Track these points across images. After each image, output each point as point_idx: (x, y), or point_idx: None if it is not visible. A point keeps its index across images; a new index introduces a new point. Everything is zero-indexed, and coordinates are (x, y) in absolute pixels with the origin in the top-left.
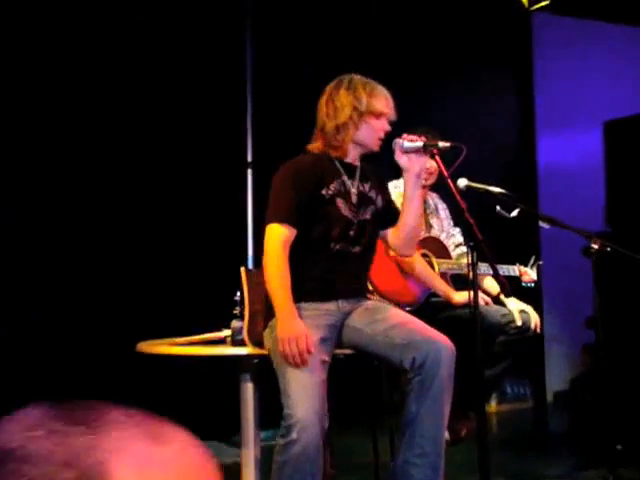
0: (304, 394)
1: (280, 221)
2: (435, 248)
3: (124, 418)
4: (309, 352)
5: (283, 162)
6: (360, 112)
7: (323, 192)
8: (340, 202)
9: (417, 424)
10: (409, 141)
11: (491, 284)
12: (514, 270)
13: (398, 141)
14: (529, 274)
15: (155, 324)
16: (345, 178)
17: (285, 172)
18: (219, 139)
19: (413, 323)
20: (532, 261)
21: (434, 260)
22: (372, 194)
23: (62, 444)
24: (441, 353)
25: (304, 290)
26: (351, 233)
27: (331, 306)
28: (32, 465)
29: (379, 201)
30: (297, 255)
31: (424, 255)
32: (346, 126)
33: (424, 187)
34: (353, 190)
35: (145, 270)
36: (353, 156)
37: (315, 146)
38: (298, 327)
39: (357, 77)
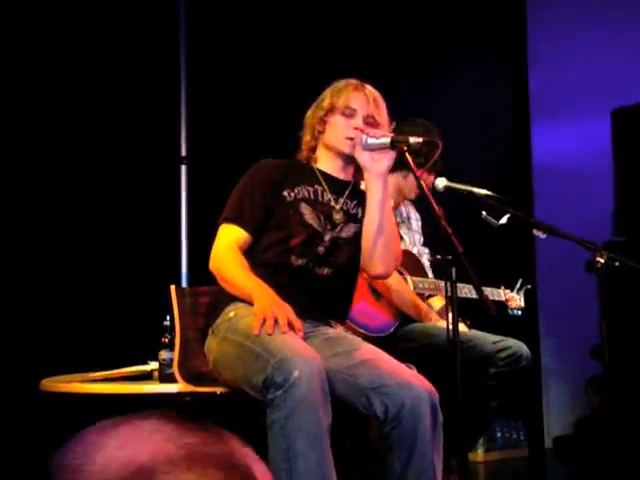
0: (290, 336)
1: (237, 223)
2: (409, 264)
3: None
4: (293, 328)
5: (220, 158)
6: (323, 114)
7: (285, 193)
8: (305, 208)
9: None
10: (373, 136)
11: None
12: (499, 294)
13: (360, 136)
14: (516, 300)
15: (63, 355)
16: (321, 188)
17: (256, 169)
18: (148, 131)
19: (383, 361)
20: (519, 285)
21: (409, 278)
22: (357, 211)
23: None
24: (420, 402)
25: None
26: (319, 250)
27: None
28: None
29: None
30: (250, 265)
31: (398, 272)
32: (313, 131)
33: (406, 199)
34: (335, 205)
35: (52, 288)
36: (334, 167)
37: (300, 155)
38: (278, 299)
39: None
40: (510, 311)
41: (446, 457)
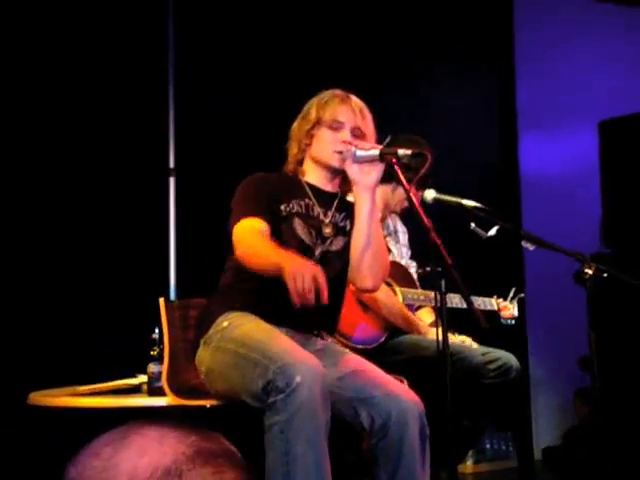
0: (288, 343)
1: (252, 215)
2: (398, 275)
3: None
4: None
5: (208, 169)
6: (310, 127)
7: (282, 207)
8: (298, 223)
9: None
10: (362, 149)
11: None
12: (491, 304)
13: (350, 149)
14: (509, 309)
15: (51, 369)
16: (311, 202)
17: (250, 179)
18: (136, 142)
19: (370, 372)
20: (512, 294)
21: (397, 289)
22: (345, 223)
23: None
24: (407, 413)
25: (249, 306)
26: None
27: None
28: None
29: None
30: (243, 275)
31: (386, 283)
32: (299, 144)
33: (392, 213)
34: (324, 218)
35: (39, 300)
36: (321, 179)
37: (287, 168)
38: (308, 263)
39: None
40: (503, 320)
41: (435, 469)
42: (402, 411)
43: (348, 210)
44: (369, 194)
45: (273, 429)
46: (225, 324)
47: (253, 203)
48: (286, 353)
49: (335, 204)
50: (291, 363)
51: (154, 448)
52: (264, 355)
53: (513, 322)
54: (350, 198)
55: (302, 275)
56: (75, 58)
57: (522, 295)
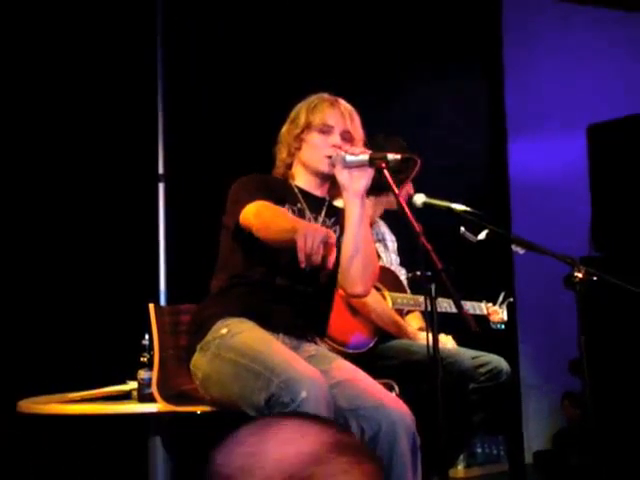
0: (290, 356)
1: (257, 198)
2: (388, 280)
3: None
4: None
5: (198, 175)
6: (299, 131)
7: None
8: None
9: None
10: (352, 154)
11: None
12: (481, 308)
13: (339, 153)
14: (499, 313)
15: (41, 376)
16: (302, 207)
17: (249, 177)
18: (126, 148)
19: (361, 381)
20: (501, 298)
21: (387, 293)
22: (335, 229)
23: None
24: (396, 425)
25: (246, 311)
26: (303, 269)
27: (272, 335)
28: None
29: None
30: (235, 279)
31: (375, 288)
32: (289, 148)
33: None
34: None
35: (28, 306)
36: (311, 184)
37: (276, 172)
38: (324, 229)
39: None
40: (493, 325)
41: (427, 474)
42: (392, 423)
43: (337, 216)
44: (359, 200)
45: None
46: (224, 331)
47: (258, 192)
48: (290, 367)
49: (325, 209)
50: (296, 378)
51: (298, 437)
52: (266, 367)
53: (503, 326)
54: (338, 203)
55: (313, 236)
56: (64, 62)
57: (511, 299)
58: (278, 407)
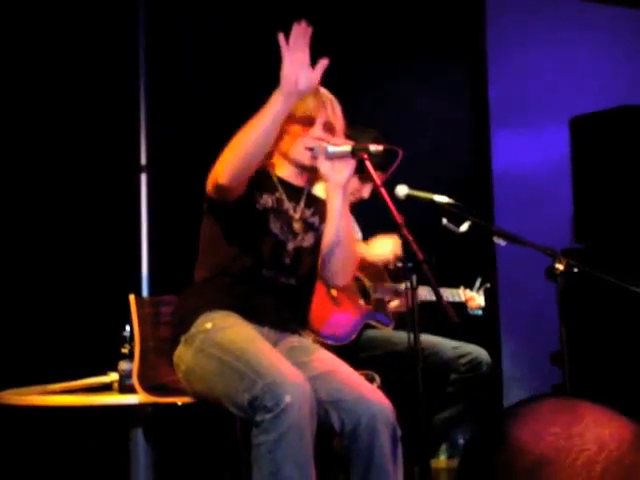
0: (275, 357)
1: None
2: (367, 270)
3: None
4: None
5: (181, 166)
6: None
7: (254, 200)
8: (272, 218)
9: None
10: (334, 145)
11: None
12: (459, 295)
13: (321, 145)
14: (476, 299)
15: (20, 367)
16: (281, 196)
17: None
18: (107, 139)
19: (342, 373)
20: (478, 284)
21: (367, 283)
22: (314, 220)
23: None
24: (376, 418)
25: (227, 303)
26: (285, 260)
27: (257, 329)
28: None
29: (322, 228)
30: (216, 269)
31: (356, 279)
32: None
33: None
34: (294, 214)
35: (6, 297)
36: (290, 174)
37: None
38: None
39: None
40: (470, 311)
41: (408, 464)
42: (372, 416)
43: (317, 206)
44: (341, 191)
45: (260, 449)
46: (209, 325)
47: None
48: (274, 369)
49: (304, 199)
50: (280, 382)
51: (609, 421)
52: (251, 368)
53: (480, 312)
54: (317, 192)
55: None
56: (44, 51)
57: (488, 285)
58: (262, 411)
